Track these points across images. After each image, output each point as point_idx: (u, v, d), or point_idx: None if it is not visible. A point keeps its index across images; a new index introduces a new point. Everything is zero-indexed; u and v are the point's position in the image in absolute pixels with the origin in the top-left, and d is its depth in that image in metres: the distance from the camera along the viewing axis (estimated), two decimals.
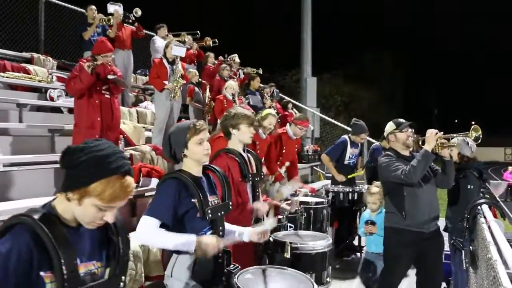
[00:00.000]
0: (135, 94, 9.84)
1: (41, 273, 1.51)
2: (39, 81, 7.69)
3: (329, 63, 33.99)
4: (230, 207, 2.87)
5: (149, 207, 2.61)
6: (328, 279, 3.77)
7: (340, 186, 6.81)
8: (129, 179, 1.63)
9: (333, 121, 12.72)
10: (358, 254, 7.17)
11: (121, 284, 1.76)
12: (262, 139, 5.70)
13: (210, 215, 2.63)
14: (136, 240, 2.57)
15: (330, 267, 3.80)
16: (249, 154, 3.81)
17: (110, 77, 5.35)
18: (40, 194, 4.69)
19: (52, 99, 7.43)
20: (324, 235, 4.12)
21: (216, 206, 2.72)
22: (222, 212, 2.76)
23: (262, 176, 3.85)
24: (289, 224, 4.94)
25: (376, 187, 5.21)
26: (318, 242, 3.74)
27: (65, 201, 1.62)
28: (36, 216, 1.55)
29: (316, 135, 12.83)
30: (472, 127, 3.85)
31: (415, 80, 54.82)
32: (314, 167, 10.68)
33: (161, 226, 2.57)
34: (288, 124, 6.49)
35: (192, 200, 2.60)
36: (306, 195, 6.07)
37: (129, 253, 1.81)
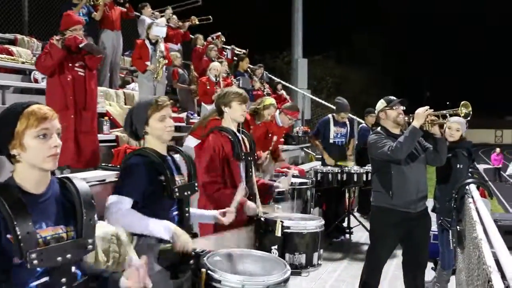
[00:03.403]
0: (123, 75, 9.71)
1: (8, 236, 1.59)
2: (23, 62, 7.53)
3: (321, 45, 33.86)
4: (196, 188, 2.79)
5: (119, 186, 2.52)
6: (319, 261, 3.72)
7: (329, 166, 6.80)
8: (38, 105, 1.75)
9: (324, 102, 12.65)
10: (347, 235, 7.19)
11: (89, 246, 1.80)
12: (256, 125, 5.66)
13: (177, 194, 2.55)
14: (107, 220, 2.48)
15: (321, 250, 3.76)
16: (243, 135, 3.76)
17: (81, 45, 5.03)
18: None
19: (36, 81, 7.29)
20: (316, 217, 4.08)
21: (183, 185, 2.65)
22: (189, 192, 2.68)
23: (256, 157, 3.80)
24: (276, 206, 4.89)
25: None
26: (310, 222, 3.68)
27: (17, 167, 1.72)
28: None
29: (307, 116, 12.77)
30: (462, 103, 3.79)
31: (407, 62, 54.79)
32: (305, 149, 10.64)
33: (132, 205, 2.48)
34: (277, 111, 6.41)
35: (159, 178, 2.52)
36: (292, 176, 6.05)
37: (94, 217, 1.84)
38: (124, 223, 2.40)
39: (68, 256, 1.70)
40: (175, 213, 2.64)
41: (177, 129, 7.45)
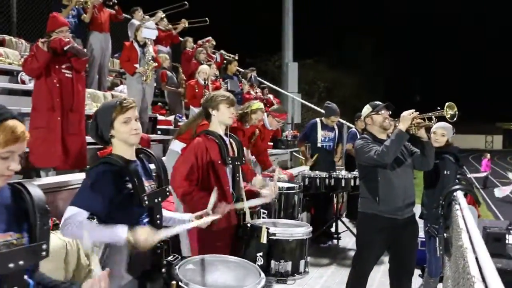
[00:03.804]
0: (112, 78, 9.66)
1: None
2: (10, 63, 7.45)
3: (312, 49, 34.00)
4: (168, 193, 2.69)
5: (77, 196, 2.37)
6: (306, 269, 3.68)
7: (317, 171, 6.77)
8: (14, 122, 1.69)
9: (313, 106, 12.62)
10: (335, 240, 7.15)
11: (43, 253, 1.73)
12: (245, 128, 5.63)
13: (146, 202, 2.44)
14: (61, 232, 2.36)
15: (308, 257, 3.72)
16: (231, 139, 3.73)
17: (66, 48, 4.98)
18: None
19: (23, 82, 7.23)
20: (304, 223, 4.04)
21: (153, 192, 2.54)
22: (160, 199, 2.58)
23: (243, 161, 3.76)
24: (262, 210, 4.86)
25: None
26: (297, 229, 3.64)
27: None
28: None
29: (297, 120, 12.78)
30: (447, 104, 3.75)
31: (398, 66, 55.03)
32: (294, 153, 10.61)
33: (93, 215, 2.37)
34: (265, 114, 6.39)
35: (127, 186, 2.41)
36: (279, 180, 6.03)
37: (48, 223, 1.79)
38: (78, 236, 2.32)
39: (21, 262, 1.64)
40: (146, 220, 2.53)
41: (165, 132, 7.44)
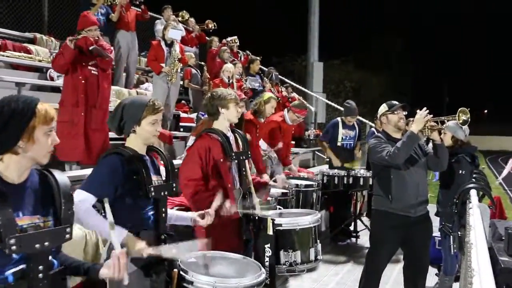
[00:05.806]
0: (138, 75, 9.86)
1: None
2: (40, 61, 7.70)
3: (339, 49, 33.75)
4: (174, 188, 2.74)
5: (86, 182, 2.49)
6: (318, 256, 3.71)
7: (335, 170, 6.81)
8: (42, 104, 1.83)
9: (337, 106, 12.61)
10: (353, 239, 7.17)
11: (67, 235, 1.86)
12: (261, 123, 5.69)
13: (153, 193, 2.51)
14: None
15: (319, 245, 3.75)
16: (235, 134, 3.78)
17: (90, 48, 5.15)
18: None
19: (52, 79, 7.46)
20: (312, 211, 4.07)
21: (160, 185, 2.61)
22: (166, 192, 2.65)
23: (249, 155, 3.81)
24: (278, 207, 4.94)
25: None
26: (304, 218, 3.67)
27: (9, 157, 1.77)
28: None
29: (320, 120, 12.76)
30: (460, 109, 3.77)
31: (426, 67, 54.14)
32: (316, 152, 10.64)
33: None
34: (286, 109, 6.48)
35: (135, 176, 2.49)
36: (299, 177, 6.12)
37: (72, 208, 1.91)
38: (85, 221, 2.44)
39: (46, 244, 1.76)
40: (151, 213, 2.60)
41: (188, 129, 7.58)
